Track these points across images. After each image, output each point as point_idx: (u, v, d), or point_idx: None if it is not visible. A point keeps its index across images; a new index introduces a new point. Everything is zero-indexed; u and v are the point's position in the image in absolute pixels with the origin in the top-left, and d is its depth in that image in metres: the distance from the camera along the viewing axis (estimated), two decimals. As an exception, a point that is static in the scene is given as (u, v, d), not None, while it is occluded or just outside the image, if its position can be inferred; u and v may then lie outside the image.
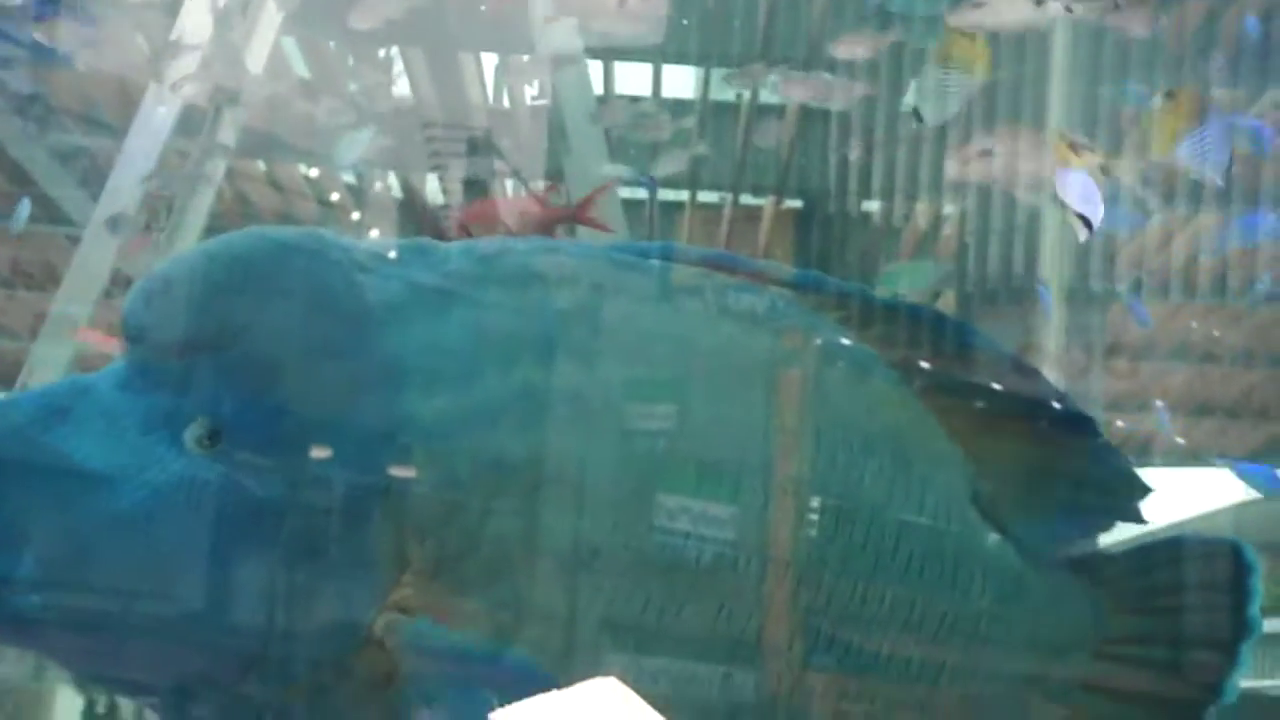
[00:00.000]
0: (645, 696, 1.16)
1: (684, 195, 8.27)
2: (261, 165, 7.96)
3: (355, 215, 8.11)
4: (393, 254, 3.48)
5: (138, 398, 3.29)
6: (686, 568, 3.46)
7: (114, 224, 5.89)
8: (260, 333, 3.33)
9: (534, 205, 4.70)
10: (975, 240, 8.08)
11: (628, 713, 1.18)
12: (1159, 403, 9.01)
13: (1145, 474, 3.79)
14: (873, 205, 8.41)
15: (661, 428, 3.53)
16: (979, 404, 3.78)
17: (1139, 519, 3.94)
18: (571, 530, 3.44)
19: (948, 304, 8.22)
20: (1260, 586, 3.90)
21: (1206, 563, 3.91)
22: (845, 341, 3.72)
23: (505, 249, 3.59)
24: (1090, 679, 3.87)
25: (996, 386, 3.83)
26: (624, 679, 1.16)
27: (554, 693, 1.20)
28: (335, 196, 8.06)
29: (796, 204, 8.39)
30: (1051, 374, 7.60)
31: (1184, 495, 10.65)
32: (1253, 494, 10.59)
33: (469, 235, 4.38)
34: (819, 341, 3.69)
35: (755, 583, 3.51)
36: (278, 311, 3.35)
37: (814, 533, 3.56)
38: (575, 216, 4.89)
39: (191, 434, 3.28)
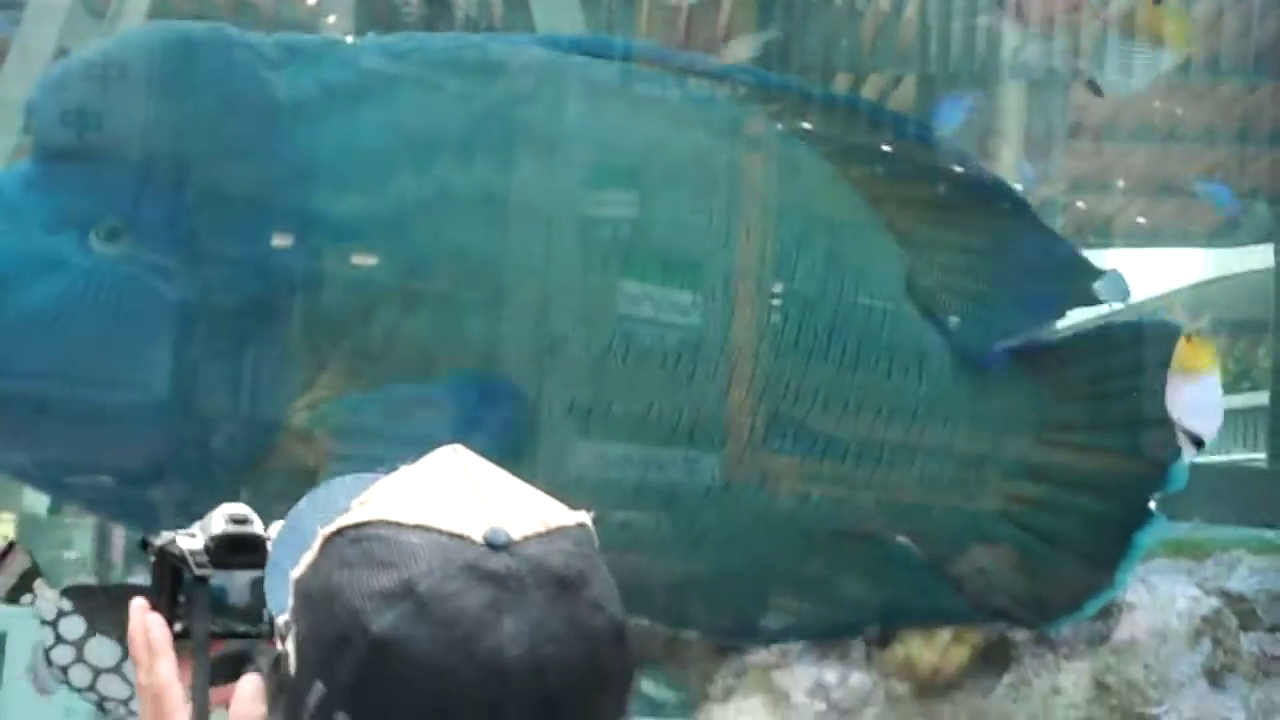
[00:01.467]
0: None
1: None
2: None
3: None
4: (305, 49, 3.31)
5: (44, 196, 3.17)
6: (613, 365, 3.36)
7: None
8: (165, 130, 3.20)
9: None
10: (938, 21, 7.82)
11: (481, 473, 1.13)
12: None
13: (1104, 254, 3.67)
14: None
15: (580, 224, 3.39)
16: (917, 195, 3.63)
17: (1091, 301, 3.81)
18: (488, 330, 3.33)
19: (909, 87, 7.99)
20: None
21: (1147, 347, 3.79)
22: (777, 134, 3.55)
23: (423, 45, 3.42)
24: (1035, 463, 3.76)
25: (935, 177, 3.67)
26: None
27: (403, 471, 1.13)
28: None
29: (758, -12, 8.12)
30: (1011, 155, 7.47)
31: (1145, 275, 10.62)
32: (1210, 273, 10.52)
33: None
34: (749, 133, 3.53)
35: (685, 379, 3.40)
36: (183, 108, 3.21)
37: (744, 324, 3.44)
38: None
39: (98, 233, 3.15)
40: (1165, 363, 3.68)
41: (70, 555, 5.74)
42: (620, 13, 8.21)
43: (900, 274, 3.63)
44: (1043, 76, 7.72)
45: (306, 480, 3.22)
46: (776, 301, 3.48)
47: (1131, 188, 9.10)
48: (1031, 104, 7.62)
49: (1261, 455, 8.56)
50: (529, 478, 1.15)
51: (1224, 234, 9.46)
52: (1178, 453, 3.70)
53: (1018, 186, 7.91)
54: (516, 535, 1.09)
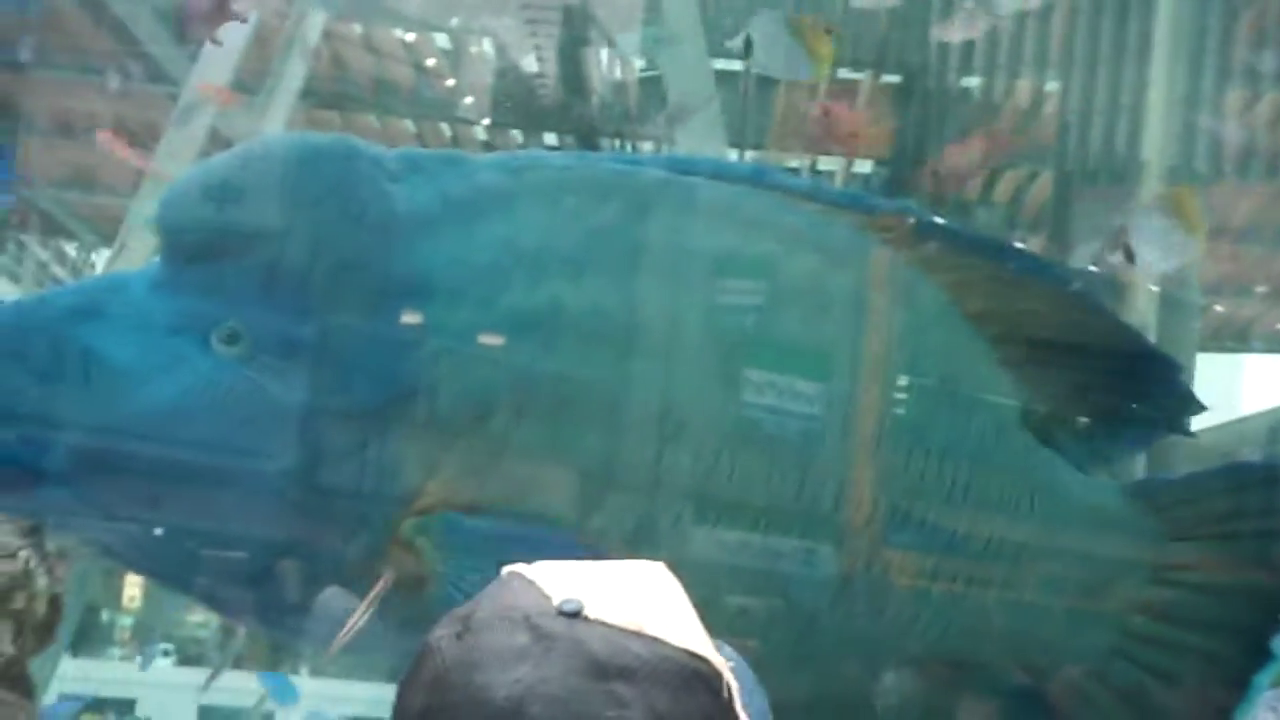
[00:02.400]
0: None
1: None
2: (358, 29, 7.77)
3: (450, 81, 7.92)
4: (424, 163, 3.33)
5: (169, 298, 3.21)
6: (718, 485, 3.34)
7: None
8: (289, 238, 3.23)
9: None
10: (1077, 118, 7.72)
11: (653, 584, 1.17)
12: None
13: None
14: (972, 81, 8.07)
15: (695, 348, 3.37)
16: (1031, 330, 3.57)
17: (1185, 431, 3.74)
18: (594, 448, 3.31)
19: (1046, 183, 7.89)
20: None
21: (1266, 489, 3.70)
22: (892, 261, 3.51)
23: (538, 162, 3.43)
24: (1148, 602, 3.67)
25: (1048, 310, 3.61)
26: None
27: (599, 562, 1.20)
28: (431, 61, 7.85)
29: (894, 79, 8.06)
30: (1148, 258, 7.31)
31: (1281, 382, 10.35)
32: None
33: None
34: (863, 261, 3.48)
35: (791, 498, 3.37)
36: (306, 218, 3.24)
37: (850, 452, 3.39)
38: None
39: (218, 336, 3.19)
40: (1273, 509, 3.62)
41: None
42: (758, 94, 8.21)
43: (1014, 407, 3.56)
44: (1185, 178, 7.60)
45: (414, 589, 3.24)
46: (889, 427, 3.42)
47: (1272, 291, 8.90)
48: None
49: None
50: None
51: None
52: None
53: (1154, 288, 7.81)
54: (592, 614, 1.11)
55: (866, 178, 8.65)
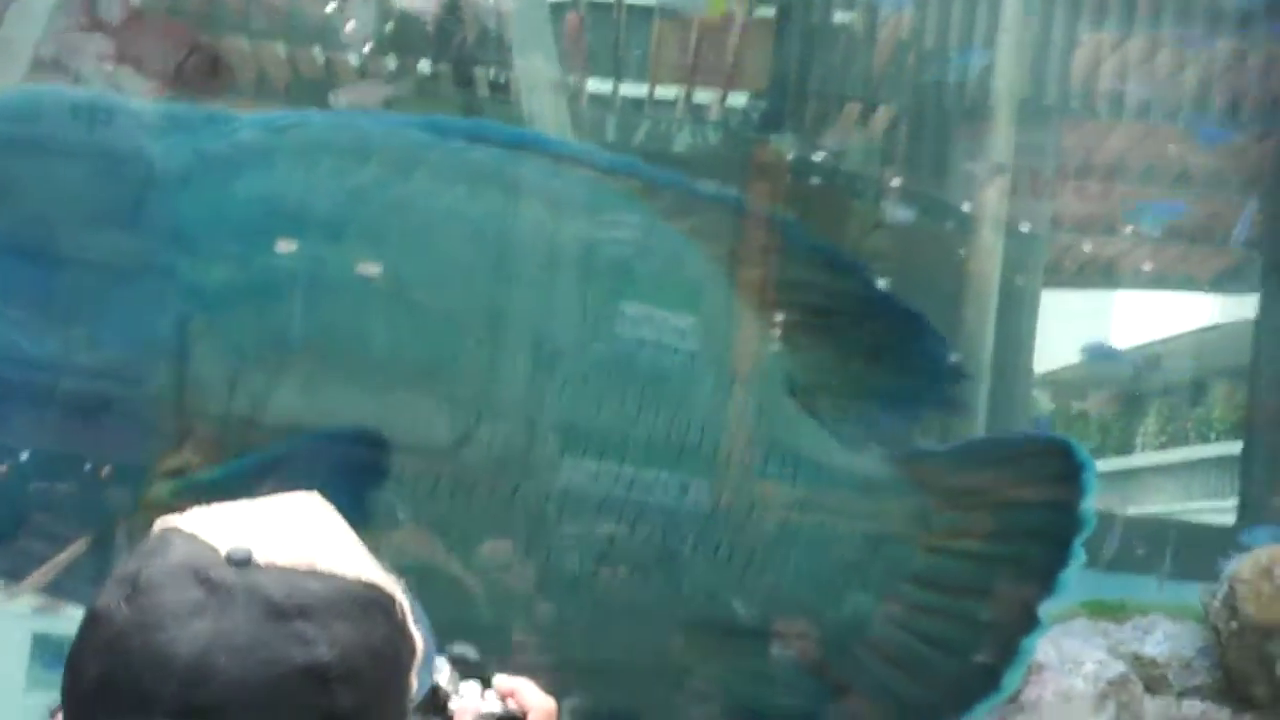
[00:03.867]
0: None
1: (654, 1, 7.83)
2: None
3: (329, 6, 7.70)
4: (184, 119, 3.19)
5: None
6: (475, 445, 3.24)
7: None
8: (38, 191, 3.10)
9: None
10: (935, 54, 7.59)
11: (311, 518, 1.16)
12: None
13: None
14: (847, 15, 7.93)
15: (451, 311, 3.26)
16: (799, 299, 3.47)
17: (955, 407, 3.66)
18: (350, 408, 3.21)
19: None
20: (1094, 484, 3.62)
21: (1034, 460, 3.64)
22: (662, 232, 3.40)
23: (302, 121, 3.29)
24: (917, 571, 3.61)
25: (816, 282, 3.51)
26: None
27: (254, 502, 1.17)
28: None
29: (769, 12, 7.91)
30: (1002, 198, 7.25)
31: (1149, 319, 10.35)
32: (1214, 319, 10.24)
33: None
34: (631, 227, 3.37)
35: (554, 459, 3.27)
36: (58, 170, 3.10)
37: (617, 411, 3.30)
38: None
39: None
40: (1055, 477, 3.56)
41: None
42: (632, 28, 8.06)
43: (781, 374, 3.47)
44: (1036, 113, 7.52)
45: None
46: (648, 396, 3.32)
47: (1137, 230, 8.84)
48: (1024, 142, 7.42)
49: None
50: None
51: (1227, 280, 9.21)
52: (1064, 561, 3.56)
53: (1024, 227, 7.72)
54: (262, 559, 1.09)
55: (744, 111, 8.53)
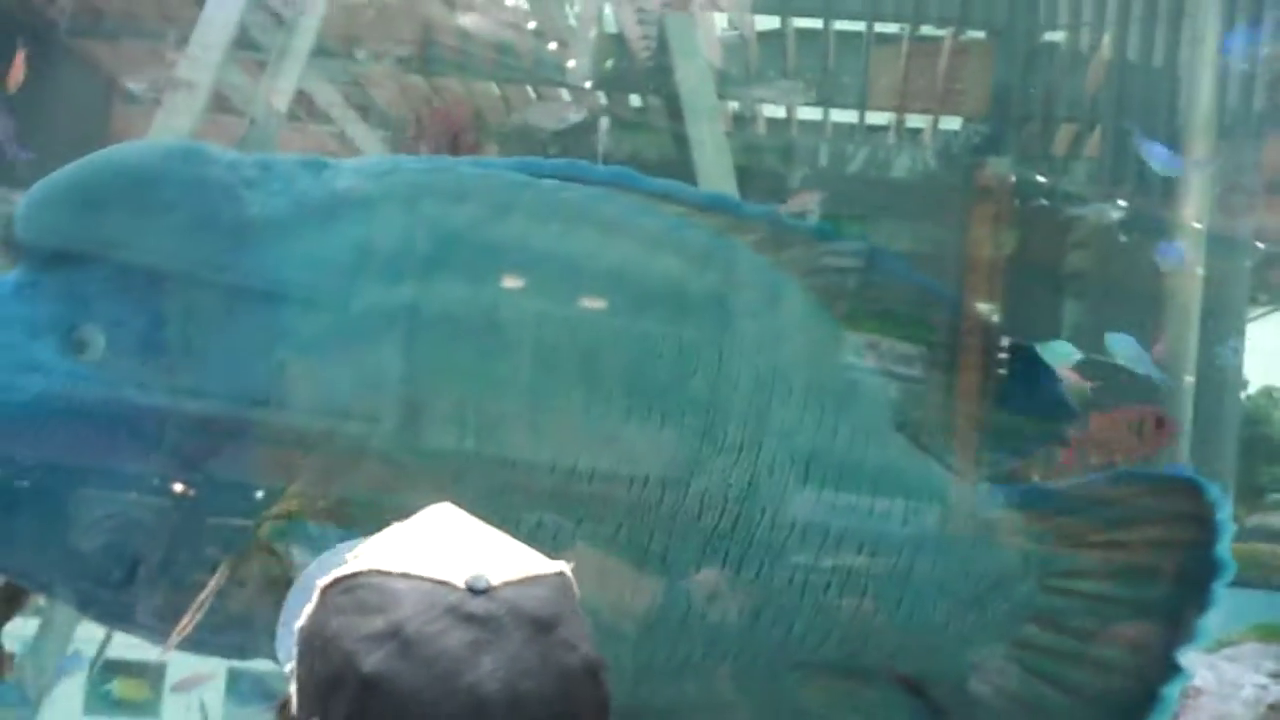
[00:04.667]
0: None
1: (861, 26, 7.69)
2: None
3: (553, 45, 7.77)
4: (281, 168, 3.22)
5: (27, 305, 3.15)
6: (579, 488, 3.17)
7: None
8: (140, 244, 3.15)
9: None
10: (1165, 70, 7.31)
11: (468, 528, 1.26)
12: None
13: None
14: (1056, 35, 7.69)
15: (553, 349, 3.21)
16: (898, 331, 3.34)
17: (1062, 441, 3.49)
18: (458, 448, 3.18)
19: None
20: (1229, 525, 3.40)
21: (1162, 498, 3.43)
22: (756, 265, 3.30)
23: (396, 166, 3.29)
24: (1039, 612, 3.44)
25: (921, 313, 3.37)
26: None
27: (410, 528, 1.26)
28: (532, 25, 7.69)
29: (978, 35, 7.72)
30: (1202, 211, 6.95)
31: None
32: None
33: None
34: (725, 264, 3.28)
35: (655, 504, 3.20)
36: (157, 223, 3.15)
37: (716, 458, 3.21)
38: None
39: (75, 341, 3.12)
40: (1185, 517, 3.36)
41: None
42: (840, 52, 7.96)
43: (886, 407, 3.34)
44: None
45: (277, 590, 3.16)
46: (752, 430, 3.22)
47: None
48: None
49: None
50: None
51: None
52: (1202, 606, 3.36)
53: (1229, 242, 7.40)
54: (496, 581, 1.15)
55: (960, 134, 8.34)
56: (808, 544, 3.28)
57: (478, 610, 1.12)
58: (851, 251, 3.39)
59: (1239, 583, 4.61)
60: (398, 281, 3.17)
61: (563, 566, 1.19)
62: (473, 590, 1.13)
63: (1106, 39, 7.38)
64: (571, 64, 8.07)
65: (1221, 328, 7.39)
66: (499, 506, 3.17)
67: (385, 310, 3.16)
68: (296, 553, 3.19)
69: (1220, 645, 3.79)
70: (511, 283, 3.21)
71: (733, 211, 3.37)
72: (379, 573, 1.15)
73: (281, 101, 6.53)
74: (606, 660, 1.14)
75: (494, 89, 7.93)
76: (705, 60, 6.89)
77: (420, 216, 3.20)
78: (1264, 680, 3.60)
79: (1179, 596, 3.40)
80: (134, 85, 6.99)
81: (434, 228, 3.20)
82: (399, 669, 1.09)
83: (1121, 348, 6.31)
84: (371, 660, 1.10)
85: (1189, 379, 6.98)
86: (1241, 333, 7.88)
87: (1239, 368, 7.92)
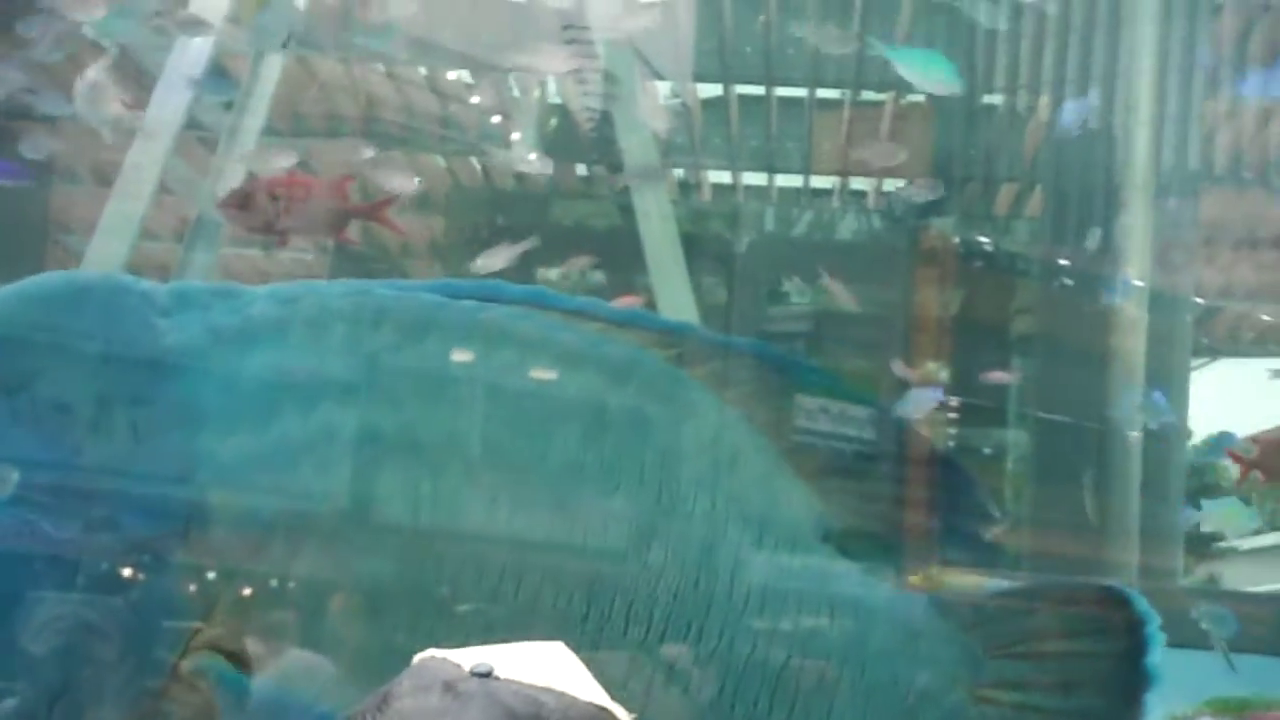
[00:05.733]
0: None
1: (803, 93, 7.67)
2: (423, 70, 7.64)
3: (496, 119, 7.75)
4: (195, 297, 3.17)
5: None
6: (503, 606, 3.12)
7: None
8: (53, 376, 3.09)
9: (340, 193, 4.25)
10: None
11: (569, 661, 1.26)
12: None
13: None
14: (995, 99, 7.69)
15: (470, 469, 3.16)
16: (821, 443, 3.29)
17: (989, 555, 3.43)
18: (380, 570, 3.13)
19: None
20: (1158, 637, 3.34)
21: (1091, 609, 3.38)
22: (676, 379, 3.26)
23: (310, 291, 3.25)
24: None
25: (844, 423, 3.32)
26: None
27: (505, 646, 1.28)
28: (476, 99, 7.67)
29: (918, 99, 7.71)
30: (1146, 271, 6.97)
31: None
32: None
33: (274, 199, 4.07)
34: (645, 378, 3.23)
35: (579, 619, 3.14)
36: (70, 356, 3.10)
37: (640, 569, 3.15)
38: (371, 213, 4.47)
39: None
40: (1115, 629, 3.30)
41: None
42: (782, 118, 7.95)
43: (810, 519, 3.29)
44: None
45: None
46: (675, 545, 3.17)
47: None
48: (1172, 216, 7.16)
49: None
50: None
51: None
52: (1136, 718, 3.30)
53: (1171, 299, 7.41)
54: (502, 675, 1.18)
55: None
56: (734, 659, 3.21)
57: (465, 687, 1.16)
58: (770, 359, 3.35)
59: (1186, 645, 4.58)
60: (315, 406, 3.12)
61: (618, 711, 1.21)
62: (473, 673, 1.17)
63: (1044, 101, 7.38)
64: (516, 136, 8.06)
65: (1165, 381, 7.40)
66: (420, 630, 3.13)
67: (302, 434, 3.10)
68: (218, 685, 3.13)
69: (1177, 720, 3.73)
70: (431, 404, 3.15)
71: (652, 327, 3.32)
72: (434, 655, 1.23)
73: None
74: None
75: (440, 161, 7.90)
76: (648, 131, 6.87)
77: (334, 340, 3.15)
78: None
79: (1110, 709, 3.34)
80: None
81: (348, 351, 3.15)
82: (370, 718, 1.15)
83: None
84: (356, 710, 1.18)
85: (1135, 434, 6.98)
86: (1185, 385, 7.90)
87: (1183, 420, 7.93)
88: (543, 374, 3.23)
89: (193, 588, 3.13)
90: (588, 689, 1.21)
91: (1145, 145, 6.80)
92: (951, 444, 7.29)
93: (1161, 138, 7.06)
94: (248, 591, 3.14)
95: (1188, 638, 4.57)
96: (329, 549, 3.13)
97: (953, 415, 7.39)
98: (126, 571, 3.11)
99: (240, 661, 3.13)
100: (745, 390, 3.29)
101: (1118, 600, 3.38)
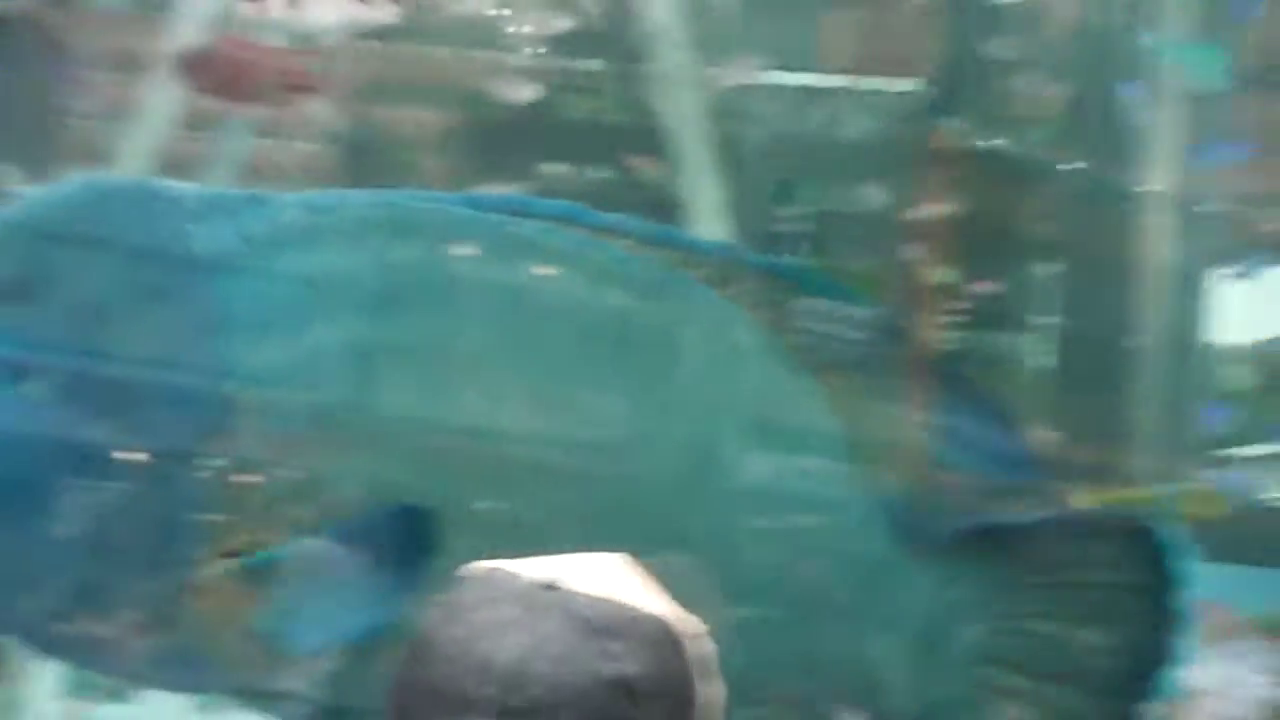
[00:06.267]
0: None
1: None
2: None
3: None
4: (226, 203, 3.16)
5: None
6: (528, 523, 3.12)
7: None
8: (84, 280, 3.09)
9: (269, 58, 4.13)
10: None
11: (633, 573, 1.23)
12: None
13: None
14: None
15: (499, 383, 3.16)
16: (851, 363, 3.27)
17: (1027, 492, 3.41)
18: (407, 481, 3.13)
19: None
20: (1183, 573, 3.31)
21: (1115, 541, 3.37)
22: (706, 299, 3.24)
23: (343, 201, 3.23)
24: (997, 653, 3.37)
25: (874, 346, 3.31)
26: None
27: (567, 556, 1.24)
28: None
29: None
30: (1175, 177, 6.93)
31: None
32: None
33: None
34: (674, 299, 3.22)
35: (603, 541, 3.13)
36: (100, 260, 3.09)
37: (664, 493, 3.16)
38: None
39: (23, 379, 3.06)
40: (1139, 561, 3.28)
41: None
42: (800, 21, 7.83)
43: (839, 444, 3.28)
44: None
45: (239, 612, 3.13)
46: (698, 474, 3.17)
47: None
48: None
49: None
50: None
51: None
52: (1161, 660, 3.29)
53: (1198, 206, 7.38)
54: (576, 588, 1.16)
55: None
56: (756, 583, 3.21)
57: (536, 599, 1.14)
58: (804, 286, 3.32)
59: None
60: (346, 315, 3.11)
61: (683, 626, 1.18)
62: (545, 586, 1.16)
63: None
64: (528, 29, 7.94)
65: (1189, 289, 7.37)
66: (448, 542, 3.14)
67: (335, 344, 3.10)
68: (255, 581, 3.16)
69: (1219, 637, 3.68)
70: (463, 317, 3.14)
71: (683, 246, 3.30)
72: (492, 567, 1.20)
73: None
74: (652, 696, 1.12)
75: (447, 54, 7.78)
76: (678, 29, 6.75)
77: (365, 250, 3.13)
78: (1271, 678, 3.50)
79: (1136, 648, 3.34)
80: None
81: (379, 262, 3.13)
82: (440, 632, 1.14)
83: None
84: (423, 624, 1.16)
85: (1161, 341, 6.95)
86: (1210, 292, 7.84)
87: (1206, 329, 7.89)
88: (569, 291, 3.21)
89: (222, 490, 3.13)
90: (657, 601, 1.20)
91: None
92: (961, 348, 7.29)
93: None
94: (277, 496, 3.14)
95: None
96: (358, 458, 3.13)
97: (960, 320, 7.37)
98: (157, 470, 3.12)
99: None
100: (776, 312, 3.27)
101: (1140, 531, 3.36)
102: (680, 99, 6.31)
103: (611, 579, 1.20)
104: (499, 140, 7.90)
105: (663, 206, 7.59)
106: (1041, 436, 6.49)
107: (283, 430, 3.11)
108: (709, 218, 5.84)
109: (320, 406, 3.11)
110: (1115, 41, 7.42)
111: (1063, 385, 8.05)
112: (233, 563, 3.13)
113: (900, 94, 8.35)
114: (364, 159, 8.08)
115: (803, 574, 3.26)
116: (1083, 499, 3.41)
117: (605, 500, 3.15)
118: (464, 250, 3.16)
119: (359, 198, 3.26)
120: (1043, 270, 8.41)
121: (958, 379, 3.44)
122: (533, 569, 1.19)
